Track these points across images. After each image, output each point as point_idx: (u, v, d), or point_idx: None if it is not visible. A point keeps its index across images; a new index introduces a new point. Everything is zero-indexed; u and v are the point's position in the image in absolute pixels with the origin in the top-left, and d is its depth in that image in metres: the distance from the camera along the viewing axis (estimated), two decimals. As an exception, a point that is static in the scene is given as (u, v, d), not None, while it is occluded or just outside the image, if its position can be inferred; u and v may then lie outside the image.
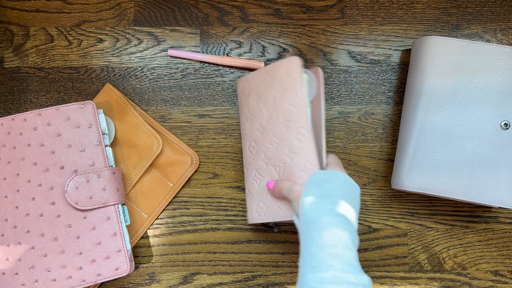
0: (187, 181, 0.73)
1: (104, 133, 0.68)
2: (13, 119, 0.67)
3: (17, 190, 0.66)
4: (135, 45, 0.75)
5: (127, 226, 0.70)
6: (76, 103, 0.68)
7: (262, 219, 0.65)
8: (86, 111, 0.68)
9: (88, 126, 0.67)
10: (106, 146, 0.68)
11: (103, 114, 0.69)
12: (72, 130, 0.67)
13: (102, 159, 0.67)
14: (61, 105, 0.68)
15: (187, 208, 0.73)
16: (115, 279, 0.71)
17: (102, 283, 0.71)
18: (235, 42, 0.75)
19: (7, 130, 0.67)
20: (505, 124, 0.67)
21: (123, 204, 0.69)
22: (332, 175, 0.57)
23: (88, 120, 0.67)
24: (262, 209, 0.65)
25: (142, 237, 0.72)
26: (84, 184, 0.66)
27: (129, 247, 0.66)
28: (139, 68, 0.75)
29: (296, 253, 0.72)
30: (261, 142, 0.65)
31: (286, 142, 0.62)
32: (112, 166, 0.68)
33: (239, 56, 0.75)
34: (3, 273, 0.65)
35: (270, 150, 0.64)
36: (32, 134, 0.67)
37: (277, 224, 0.71)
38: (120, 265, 0.66)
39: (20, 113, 0.68)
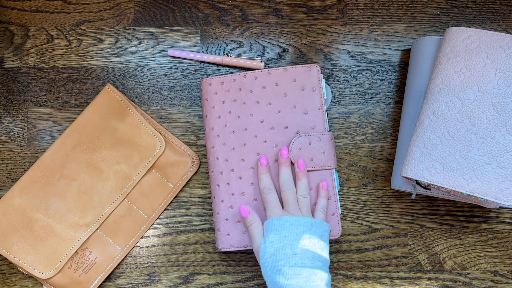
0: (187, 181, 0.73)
1: (324, 98, 0.69)
2: (244, 76, 0.69)
3: (244, 144, 0.68)
4: (135, 45, 0.75)
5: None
6: (303, 65, 0.68)
7: (434, 180, 0.63)
8: (311, 74, 0.68)
9: (312, 89, 0.68)
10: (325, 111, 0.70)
11: (324, 79, 0.70)
12: (297, 92, 0.68)
13: (322, 123, 0.68)
14: (289, 66, 0.69)
15: (187, 208, 0.73)
16: (115, 279, 0.71)
17: (102, 283, 0.71)
18: (235, 42, 0.75)
19: (239, 86, 0.69)
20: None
21: (335, 169, 0.70)
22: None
23: (313, 83, 0.68)
24: (436, 169, 0.64)
25: (142, 237, 0.72)
26: (306, 145, 0.67)
27: (340, 211, 0.68)
28: (139, 68, 0.74)
29: (296, 253, 0.72)
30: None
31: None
32: (329, 131, 0.69)
33: (239, 56, 0.75)
34: (226, 219, 0.68)
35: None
36: (261, 92, 0.69)
37: (426, 187, 0.68)
38: (333, 228, 0.67)
39: (251, 71, 0.69)
